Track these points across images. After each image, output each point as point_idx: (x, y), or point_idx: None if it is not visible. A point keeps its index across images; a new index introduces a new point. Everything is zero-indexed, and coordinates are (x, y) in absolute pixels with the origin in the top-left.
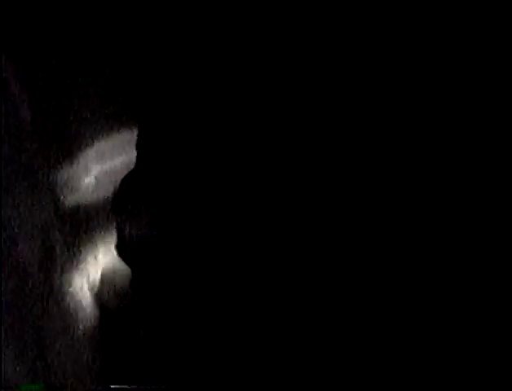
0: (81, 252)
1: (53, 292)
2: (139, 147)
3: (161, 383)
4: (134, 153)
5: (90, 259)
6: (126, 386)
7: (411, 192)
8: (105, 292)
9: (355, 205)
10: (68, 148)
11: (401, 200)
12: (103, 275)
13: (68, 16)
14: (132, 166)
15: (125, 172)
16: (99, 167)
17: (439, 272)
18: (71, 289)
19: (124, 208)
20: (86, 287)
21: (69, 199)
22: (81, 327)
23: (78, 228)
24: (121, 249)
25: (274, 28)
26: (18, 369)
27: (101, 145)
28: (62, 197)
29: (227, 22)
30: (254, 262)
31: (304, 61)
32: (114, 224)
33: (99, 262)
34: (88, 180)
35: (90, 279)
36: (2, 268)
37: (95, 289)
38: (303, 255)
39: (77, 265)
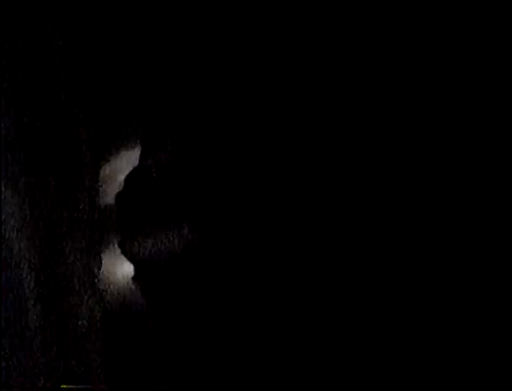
0: (85, 249)
1: (54, 290)
2: (143, 143)
3: (161, 383)
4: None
5: (94, 256)
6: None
7: (411, 192)
8: (107, 290)
9: (356, 205)
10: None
11: (401, 200)
12: (105, 273)
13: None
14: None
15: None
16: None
17: (439, 272)
18: (72, 287)
19: (128, 205)
20: (88, 284)
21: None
22: (82, 327)
23: (85, 224)
24: (124, 246)
25: (274, 28)
26: (18, 369)
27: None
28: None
29: (227, 23)
30: (256, 263)
31: (304, 61)
32: (118, 220)
33: (102, 258)
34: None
35: (93, 277)
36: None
37: (98, 287)
38: (303, 255)
39: (80, 262)
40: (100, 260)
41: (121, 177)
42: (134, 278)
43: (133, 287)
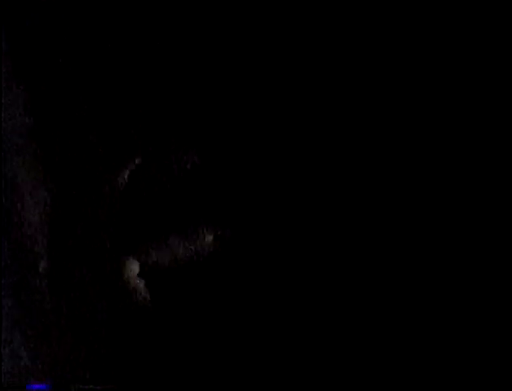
0: (87, 246)
1: (58, 287)
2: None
3: (168, 382)
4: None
5: (97, 254)
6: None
7: (411, 192)
8: (113, 286)
9: (356, 205)
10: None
11: (401, 201)
12: (110, 269)
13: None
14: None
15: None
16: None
17: (439, 272)
18: (75, 284)
19: (131, 203)
20: (93, 281)
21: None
22: (87, 323)
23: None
24: (127, 244)
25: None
26: (18, 368)
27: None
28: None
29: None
30: (256, 263)
31: (304, 61)
32: (126, 223)
33: (108, 255)
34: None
35: (97, 273)
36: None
37: (102, 283)
38: (302, 256)
39: (84, 258)
40: (110, 261)
41: (130, 180)
42: (139, 275)
43: (140, 286)
